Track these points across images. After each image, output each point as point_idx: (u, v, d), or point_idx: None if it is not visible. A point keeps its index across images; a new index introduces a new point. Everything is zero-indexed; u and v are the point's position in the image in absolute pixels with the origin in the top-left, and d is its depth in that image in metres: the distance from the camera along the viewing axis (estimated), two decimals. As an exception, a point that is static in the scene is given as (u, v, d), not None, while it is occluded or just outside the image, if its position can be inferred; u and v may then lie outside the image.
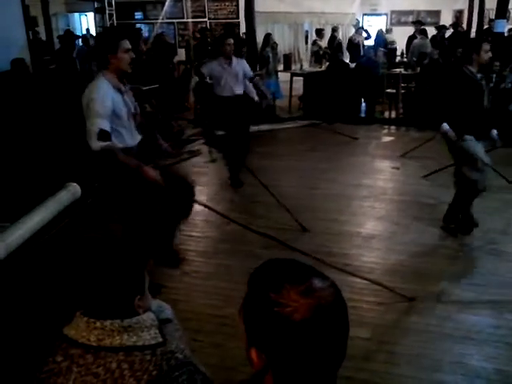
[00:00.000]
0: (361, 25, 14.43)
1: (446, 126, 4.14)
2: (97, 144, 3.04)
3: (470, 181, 4.18)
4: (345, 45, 12.55)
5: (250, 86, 5.77)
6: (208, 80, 5.63)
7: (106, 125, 3.06)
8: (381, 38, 12.67)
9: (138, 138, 3.42)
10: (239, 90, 5.62)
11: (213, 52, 6.05)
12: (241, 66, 5.67)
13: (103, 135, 3.04)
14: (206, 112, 5.98)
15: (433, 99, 4.36)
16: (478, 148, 4.16)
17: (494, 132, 4.28)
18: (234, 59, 5.58)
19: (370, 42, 12.67)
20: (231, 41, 5.50)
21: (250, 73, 5.80)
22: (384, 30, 13.72)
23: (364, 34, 12.41)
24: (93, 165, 3.32)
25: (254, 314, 0.91)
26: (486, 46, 4.08)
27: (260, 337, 0.90)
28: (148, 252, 1.51)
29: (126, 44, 3.21)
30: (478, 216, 4.51)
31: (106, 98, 3.10)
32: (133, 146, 3.34)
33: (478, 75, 4.15)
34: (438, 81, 8.06)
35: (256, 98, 5.75)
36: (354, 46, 11.77)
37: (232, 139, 5.63)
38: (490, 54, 4.09)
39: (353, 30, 13.53)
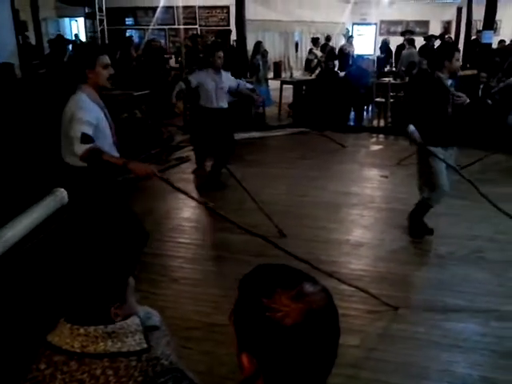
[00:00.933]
0: (351, 34, 14.57)
1: (412, 127, 4.22)
2: (80, 147, 2.98)
3: (424, 197, 4.43)
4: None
5: (244, 88, 5.82)
6: (193, 84, 5.62)
7: (88, 130, 3.02)
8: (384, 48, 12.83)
9: (117, 155, 3.32)
10: (224, 104, 5.69)
11: (203, 61, 6.07)
12: (228, 78, 5.73)
13: (86, 138, 2.99)
14: (193, 121, 6.03)
15: (403, 104, 4.48)
16: (441, 172, 4.25)
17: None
18: (223, 72, 5.64)
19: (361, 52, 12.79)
20: (221, 54, 5.55)
21: (235, 81, 5.80)
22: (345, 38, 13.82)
23: (354, 45, 12.54)
24: (67, 181, 3.26)
25: (245, 318, 0.91)
26: (458, 55, 4.23)
27: (251, 341, 0.90)
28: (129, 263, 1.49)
29: (105, 59, 3.16)
30: (465, 224, 4.56)
31: (89, 109, 3.07)
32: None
33: (449, 81, 4.26)
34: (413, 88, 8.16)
35: (258, 97, 5.92)
36: (344, 55, 11.87)
37: (216, 148, 5.66)
38: (460, 63, 4.27)
39: (342, 39, 13.67)
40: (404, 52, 10.74)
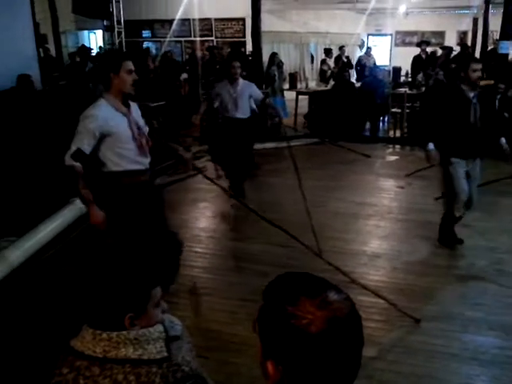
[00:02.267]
0: (365, 45, 14.59)
1: (431, 145, 4.23)
2: (69, 161, 3.09)
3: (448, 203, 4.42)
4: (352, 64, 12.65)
5: (270, 104, 5.81)
6: (215, 104, 5.67)
7: (86, 145, 3.09)
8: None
9: (146, 160, 3.37)
10: (240, 115, 5.63)
11: (220, 72, 6.11)
12: (248, 89, 5.67)
13: (78, 155, 3.07)
14: (211, 130, 6.03)
15: (420, 115, 4.43)
16: (459, 178, 4.23)
17: (503, 140, 4.31)
18: (241, 82, 5.61)
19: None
20: (238, 64, 5.55)
21: (260, 95, 5.76)
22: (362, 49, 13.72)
23: (373, 56, 12.48)
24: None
25: (270, 326, 0.92)
26: (474, 66, 4.12)
27: (276, 349, 0.91)
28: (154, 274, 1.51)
29: (129, 65, 3.20)
30: (484, 236, 4.52)
31: (93, 120, 3.10)
32: (138, 169, 3.29)
33: (471, 94, 4.19)
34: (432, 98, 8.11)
35: (281, 116, 5.78)
36: (361, 66, 11.88)
37: (233, 159, 5.66)
38: (478, 74, 4.13)
39: (357, 50, 13.67)
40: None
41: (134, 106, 3.36)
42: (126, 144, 3.21)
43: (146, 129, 3.46)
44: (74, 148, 3.08)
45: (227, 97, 5.57)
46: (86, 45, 14.49)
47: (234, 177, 5.80)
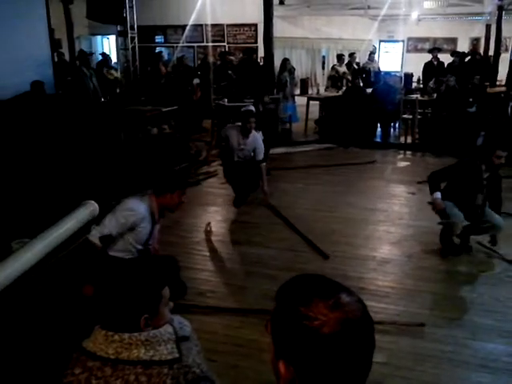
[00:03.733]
0: (377, 51, 14.56)
1: (438, 194, 4.28)
2: (95, 239, 3.20)
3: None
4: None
5: (263, 170, 5.72)
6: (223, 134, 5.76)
7: (115, 232, 3.24)
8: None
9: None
10: (245, 159, 5.70)
11: (237, 119, 6.12)
12: (255, 141, 5.66)
13: (106, 239, 3.23)
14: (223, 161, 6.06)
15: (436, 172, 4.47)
16: (453, 210, 4.28)
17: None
18: (252, 136, 5.62)
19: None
20: (253, 119, 5.55)
21: (261, 155, 5.68)
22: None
23: (377, 61, 12.46)
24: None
25: (283, 326, 0.93)
26: (500, 153, 4.15)
27: (288, 349, 0.92)
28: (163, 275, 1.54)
29: (183, 193, 3.38)
30: (500, 244, 4.51)
31: (134, 217, 3.23)
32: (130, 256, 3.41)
33: (486, 175, 4.27)
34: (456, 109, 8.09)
35: (265, 188, 5.67)
36: (365, 72, 11.88)
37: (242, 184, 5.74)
38: (502, 160, 4.17)
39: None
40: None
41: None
42: (139, 245, 3.38)
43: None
44: (106, 231, 3.21)
45: (235, 144, 5.63)
46: (100, 49, 14.69)
47: (241, 195, 5.83)
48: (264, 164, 5.73)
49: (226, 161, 5.88)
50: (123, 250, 3.34)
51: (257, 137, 5.76)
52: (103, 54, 12.46)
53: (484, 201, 4.33)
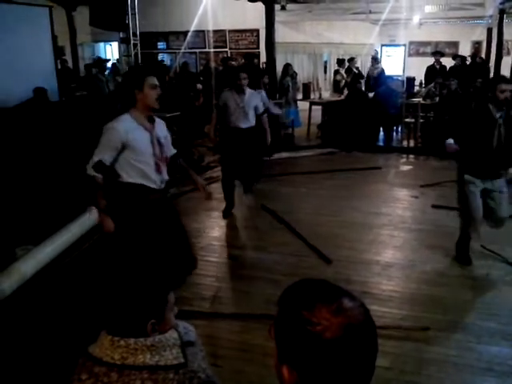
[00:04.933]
0: (379, 55, 14.59)
1: (450, 140, 4.19)
2: (90, 170, 3.19)
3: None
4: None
5: (265, 122, 5.79)
6: (220, 103, 5.66)
7: (107, 157, 3.18)
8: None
9: (161, 179, 3.41)
10: (246, 125, 5.61)
11: (229, 83, 6.09)
12: (255, 99, 5.69)
13: (99, 166, 3.18)
14: (220, 141, 6.01)
15: (445, 126, 4.37)
16: (473, 201, 4.20)
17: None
18: (248, 92, 5.61)
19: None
20: (244, 75, 5.53)
21: (261, 109, 5.76)
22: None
23: (380, 66, 12.49)
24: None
25: (286, 331, 0.94)
26: (503, 86, 4.04)
27: (291, 354, 0.93)
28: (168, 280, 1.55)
29: (153, 80, 3.28)
30: (500, 245, 4.50)
31: (115, 133, 3.18)
32: (150, 186, 3.35)
33: (498, 114, 4.11)
34: (457, 111, 8.09)
35: (268, 140, 5.75)
36: (368, 77, 11.91)
37: (241, 168, 5.68)
38: (506, 94, 4.01)
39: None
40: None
41: (159, 124, 3.43)
42: (143, 158, 3.28)
43: (171, 148, 3.54)
44: (95, 159, 3.18)
45: (234, 106, 5.56)
46: (102, 56, 14.76)
47: (244, 183, 5.81)
48: (265, 115, 5.80)
49: (225, 136, 5.78)
50: (136, 175, 3.28)
51: (255, 94, 5.78)
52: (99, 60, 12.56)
53: (499, 143, 4.13)
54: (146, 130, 3.29)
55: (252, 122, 5.67)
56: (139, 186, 3.30)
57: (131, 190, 3.30)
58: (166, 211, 3.55)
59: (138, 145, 3.23)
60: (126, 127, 3.20)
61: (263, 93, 6.03)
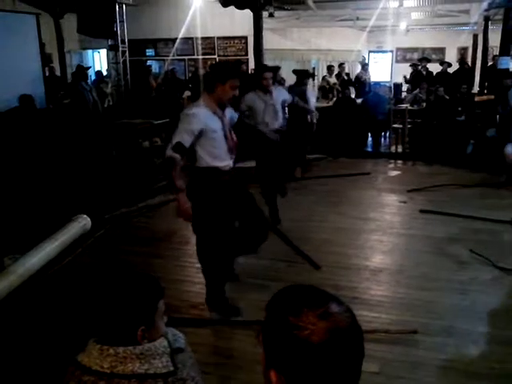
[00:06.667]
0: (367, 61, 14.73)
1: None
2: (169, 152, 3.30)
3: None
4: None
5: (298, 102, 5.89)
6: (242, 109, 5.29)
7: (186, 140, 3.32)
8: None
9: (232, 159, 3.61)
10: (277, 125, 5.39)
11: (251, 84, 5.86)
12: (281, 94, 5.55)
13: (179, 148, 3.30)
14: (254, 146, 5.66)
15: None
16: None
17: None
18: (274, 89, 5.41)
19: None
20: (269, 74, 5.33)
21: (289, 99, 5.69)
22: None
23: (370, 72, 12.64)
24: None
25: (273, 336, 0.95)
26: None
27: (279, 359, 0.93)
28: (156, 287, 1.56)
29: (236, 82, 3.43)
30: (490, 250, 4.54)
31: (195, 119, 3.34)
32: (224, 167, 3.53)
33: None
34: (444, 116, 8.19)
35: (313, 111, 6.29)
36: (360, 82, 12.01)
37: (264, 171, 5.51)
38: None
39: (359, 66, 13.82)
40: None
41: (227, 110, 3.61)
42: (218, 144, 3.46)
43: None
44: (174, 141, 3.30)
45: (263, 107, 5.28)
46: (90, 64, 14.72)
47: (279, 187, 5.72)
48: (296, 98, 5.90)
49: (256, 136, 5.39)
50: (211, 160, 3.44)
51: (279, 88, 5.78)
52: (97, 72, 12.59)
53: None
54: (218, 118, 3.45)
55: (281, 122, 5.46)
56: (213, 169, 3.46)
57: (207, 174, 3.46)
58: (239, 189, 3.74)
59: (213, 131, 3.40)
60: (205, 115, 3.37)
61: (282, 89, 5.99)
